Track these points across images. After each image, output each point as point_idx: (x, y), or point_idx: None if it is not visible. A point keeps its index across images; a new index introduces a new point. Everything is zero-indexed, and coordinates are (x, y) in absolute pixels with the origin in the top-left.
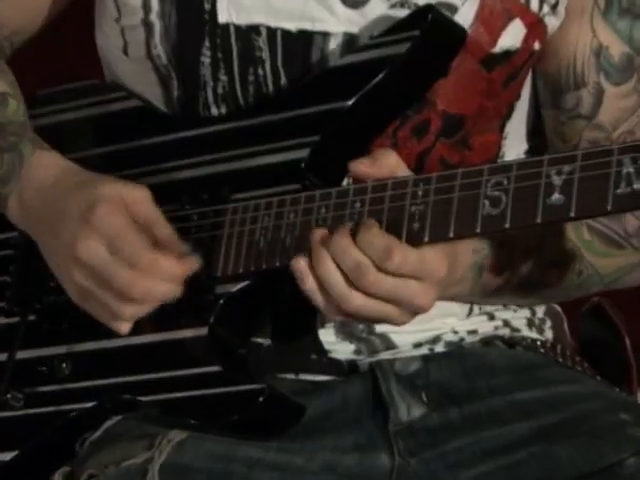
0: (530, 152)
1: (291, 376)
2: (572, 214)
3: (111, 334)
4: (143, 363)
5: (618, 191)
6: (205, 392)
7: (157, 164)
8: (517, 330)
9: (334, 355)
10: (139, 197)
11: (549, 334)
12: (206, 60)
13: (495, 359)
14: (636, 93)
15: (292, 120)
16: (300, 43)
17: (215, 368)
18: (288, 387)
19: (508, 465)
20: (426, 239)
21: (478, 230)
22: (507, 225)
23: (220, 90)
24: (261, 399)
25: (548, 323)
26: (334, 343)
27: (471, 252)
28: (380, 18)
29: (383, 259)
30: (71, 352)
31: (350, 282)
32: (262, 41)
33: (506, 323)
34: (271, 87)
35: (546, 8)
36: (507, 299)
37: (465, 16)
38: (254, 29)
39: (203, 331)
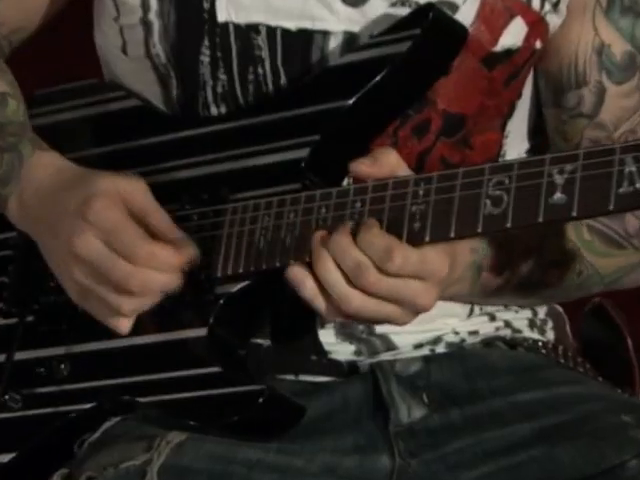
0: (531, 151)
1: (291, 377)
2: (574, 213)
3: (110, 335)
4: (142, 364)
5: (620, 190)
6: (205, 393)
7: (156, 164)
8: (518, 331)
9: (334, 356)
10: (135, 188)
11: (551, 335)
12: (205, 59)
13: (496, 360)
14: (638, 92)
15: (292, 119)
16: (300, 42)
17: (215, 369)
18: (288, 388)
19: (509, 466)
20: (427, 239)
21: (479, 230)
22: (509, 225)
23: (219, 89)
24: (261, 400)
25: (550, 324)
26: (334, 344)
27: (469, 251)
28: (380, 17)
29: (384, 260)
30: (70, 353)
31: (350, 282)
32: (261, 40)
33: (507, 324)
34: (271, 86)
35: (547, 6)
36: (507, 299)
37: (466, 15)
38: (253, 28)
39: (203, 331)
